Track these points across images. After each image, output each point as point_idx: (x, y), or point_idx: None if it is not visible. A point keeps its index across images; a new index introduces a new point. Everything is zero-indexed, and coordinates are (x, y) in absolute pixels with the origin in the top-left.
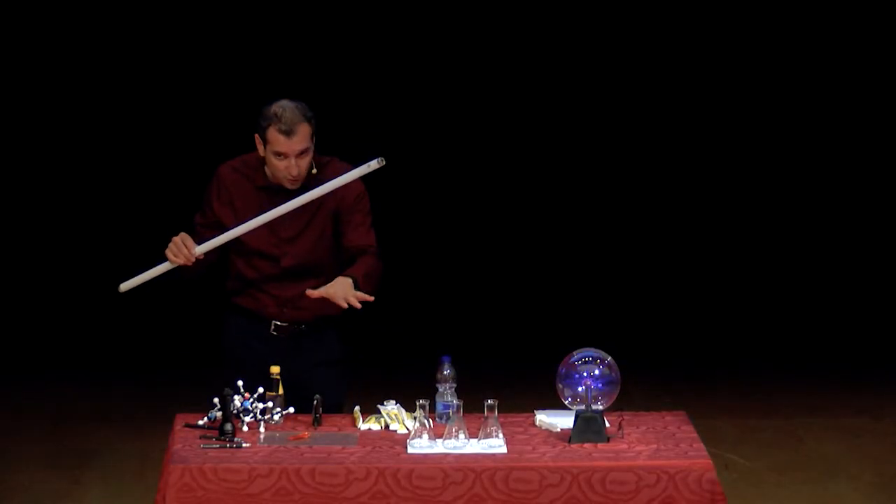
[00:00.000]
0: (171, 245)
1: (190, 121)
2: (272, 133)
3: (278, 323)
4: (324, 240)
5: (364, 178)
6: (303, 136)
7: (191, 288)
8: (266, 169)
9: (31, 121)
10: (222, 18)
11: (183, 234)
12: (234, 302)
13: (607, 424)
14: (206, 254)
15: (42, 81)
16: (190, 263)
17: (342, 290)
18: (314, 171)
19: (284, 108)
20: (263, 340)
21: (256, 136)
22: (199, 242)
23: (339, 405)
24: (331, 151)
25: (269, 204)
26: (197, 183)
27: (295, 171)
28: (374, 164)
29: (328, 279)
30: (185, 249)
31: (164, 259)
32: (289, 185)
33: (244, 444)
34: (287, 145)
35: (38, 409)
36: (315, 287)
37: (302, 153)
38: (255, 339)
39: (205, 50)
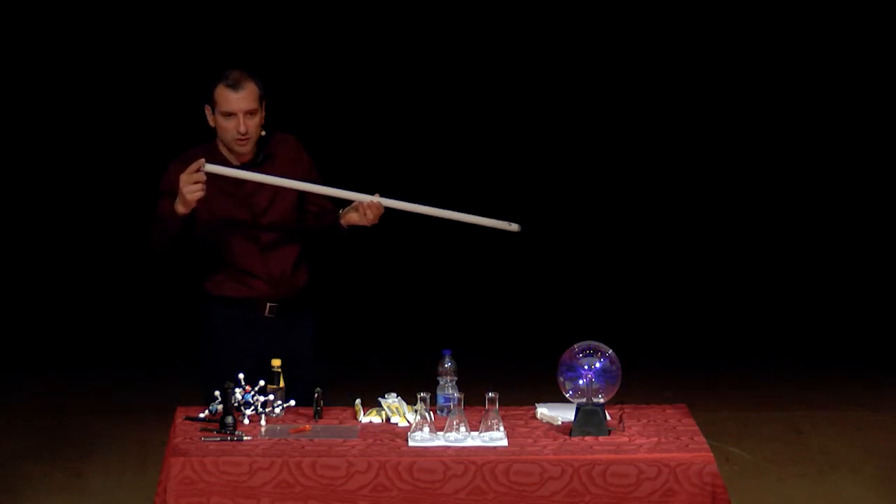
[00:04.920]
0: (183, 187)
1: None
2: (219, 91)
3: (272, 304)
4: (292, 210)
5: (366, 164)
6: (250, 94)
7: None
8: (219, 146)
9: (29, 120)
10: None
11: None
12: (221, 295)
13: (608, 417)
14: (181, 229)
15: (29, 81)
16: (194, 183)
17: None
18: (262, 133)
19: (231, 69)
20: (257, 326)
21: (206, 107)
22: (176, 230)
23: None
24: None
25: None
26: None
27: (243, 129)
28: (511, 227)
29: (302, 249)
30: (194, 171)
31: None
32: (238, 147)
33: (245, 437)
34: (235, 101)
35: (38, 401)
36: (292, 264)
37: (249, 113)
38: (246, 327)
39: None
